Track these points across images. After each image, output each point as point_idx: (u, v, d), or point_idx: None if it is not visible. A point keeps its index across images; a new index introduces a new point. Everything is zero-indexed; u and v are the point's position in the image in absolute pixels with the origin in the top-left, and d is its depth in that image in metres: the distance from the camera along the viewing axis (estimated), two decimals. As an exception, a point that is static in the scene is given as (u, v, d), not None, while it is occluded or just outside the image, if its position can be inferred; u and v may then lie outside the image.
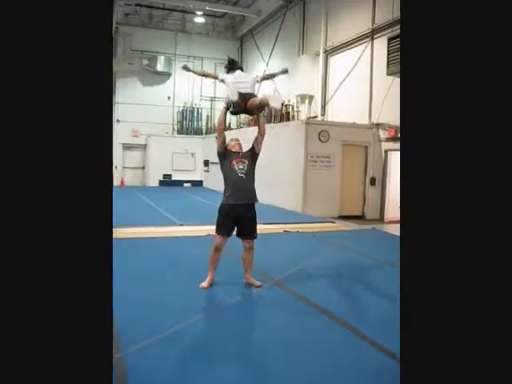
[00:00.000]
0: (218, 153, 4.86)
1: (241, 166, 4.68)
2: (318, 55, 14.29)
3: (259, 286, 4.73)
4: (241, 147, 4.88)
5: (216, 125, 4.89)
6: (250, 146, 4.86)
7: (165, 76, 20.49)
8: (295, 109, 15.26)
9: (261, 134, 4.87)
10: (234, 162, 4.69)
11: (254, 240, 4.78)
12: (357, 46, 12.56)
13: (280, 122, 14.52)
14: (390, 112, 10.86)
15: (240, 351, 3.26)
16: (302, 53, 15.33)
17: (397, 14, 10.48)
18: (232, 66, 5.18)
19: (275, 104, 4.63)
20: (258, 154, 4.84)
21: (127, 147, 20.11)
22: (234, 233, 4.78)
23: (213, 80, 6.54)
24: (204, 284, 4.63)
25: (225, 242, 4.70)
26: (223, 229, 4.67)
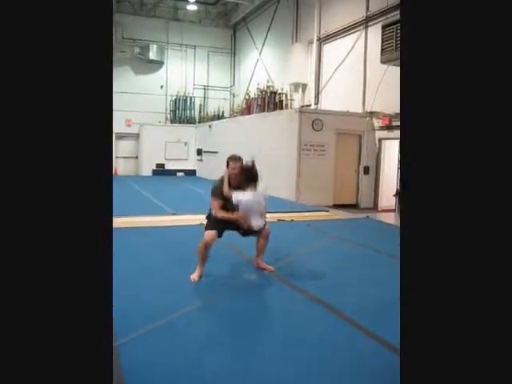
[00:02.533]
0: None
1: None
2: (312, 43, 14.21)
3: (271, 271, 4.78)
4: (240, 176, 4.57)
5: (214, 210, 4.59)
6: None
7: (157, 64, 20.34)
8: (288, 97, 15.19)
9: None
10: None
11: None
12: (351, 33, 12.50)
13: (273, 110, 14.46)
14: (383, 100, 10.84)
15: (235, 341, 3.24)
16: (296, 41, 15.24)
17: (391, 1, 10.42)
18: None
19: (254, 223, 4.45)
20: None
21: (120, 136, 19.97)
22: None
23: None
24: (195, 277, 4.52)
25: (215, 240, 4.53)
26: (213, 226, 4.54)
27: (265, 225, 4.68)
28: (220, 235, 4.59)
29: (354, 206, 11.46)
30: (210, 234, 4.49)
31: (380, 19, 11.00)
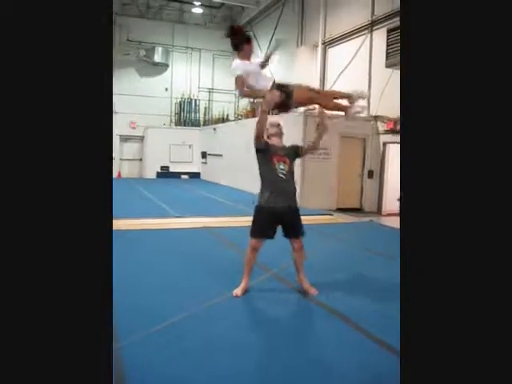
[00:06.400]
0: (258, 149, 4.17)
1: (282, 166, 4.13)
2: (317, 47, 14.21)
3: (313, 293, 4.24)
4: (281, 137, 4.35)
5: (256, 132, 4.11)
6: (295, 146, 4.45)
7: (162, 67, 20.39)
8: (293, 101, 15.17)
9: (315, 148, 4.63)
10: (274, 160, 4.12)
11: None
12: (356, 37, 12.49)
13: (278, 113, 14.45)
14: (388, 104, 10.81)
15: (239, 343, 3.23)
16: (301, 44, 15.25)
17: (396, 6, 10.41)
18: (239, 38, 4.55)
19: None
20: (299, 157, 4.45)
21: (124, 139, 20.04)
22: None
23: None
24: (238, 292, 4.15)
25: (262, 244, 4.22)
26: (259, 231, 4.16)
27: (299, 237, 4.30)
28: (271, 235, 4.17)
29: (358, 210, 11.43)
30: (254, 241, 4.17)
31: (385, 23, 10.99)
